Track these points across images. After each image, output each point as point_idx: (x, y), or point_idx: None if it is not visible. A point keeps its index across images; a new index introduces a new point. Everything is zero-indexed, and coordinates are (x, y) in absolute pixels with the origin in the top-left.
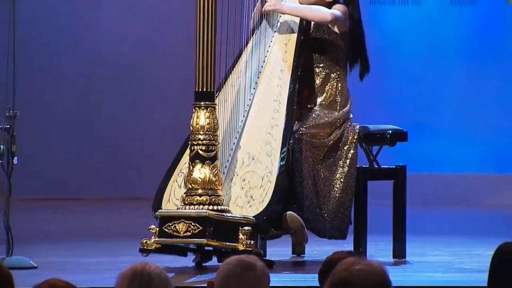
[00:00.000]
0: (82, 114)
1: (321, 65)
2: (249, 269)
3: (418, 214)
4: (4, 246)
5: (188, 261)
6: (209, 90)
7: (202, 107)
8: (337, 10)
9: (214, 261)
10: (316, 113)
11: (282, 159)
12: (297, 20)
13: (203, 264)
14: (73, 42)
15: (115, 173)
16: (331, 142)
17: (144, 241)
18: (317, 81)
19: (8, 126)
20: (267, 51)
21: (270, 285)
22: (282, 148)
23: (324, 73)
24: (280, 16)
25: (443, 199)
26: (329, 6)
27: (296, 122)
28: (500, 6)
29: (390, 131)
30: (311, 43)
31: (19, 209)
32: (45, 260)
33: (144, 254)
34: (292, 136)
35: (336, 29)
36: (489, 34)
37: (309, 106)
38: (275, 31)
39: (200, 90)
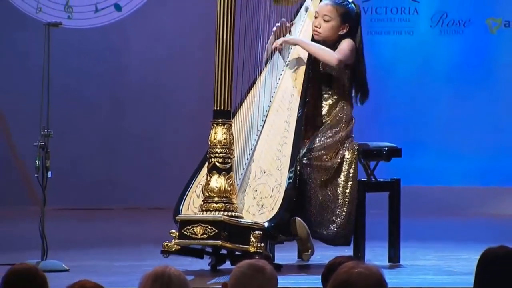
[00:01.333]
0: (109, 132)
1: (329, 92)
2: (259, 272)
3: (411, 223)
4: (39, 251)
5: (205, 264)
6: (226, 108)
7: (220, 124)
8: (345, 46)
9: (227, 264)
10: (323, 133)
11: (290, 172)
12: (307, 53)
13: (217, 267)
14: (101, 66)
15: (140, 185)
16: (337, 164)
17: (165, 243)
18: (325, 106)
19: (43, 143)
20: (279, 79)
21: (278, 286)
22: (290, 163)
23: (331, 99)
24: (292, 49)
25: (434, 209)
26: (339, 39)
27: (306, 141)
28: (485, 35)
29: (386, 148)
30: (319, 73)
31: (52, 218)
32: (76, 264)
33: (165, 255)
34: (300, 160)
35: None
36: (474, 60)
37: (317, 126)
38: (286, 61)
39: (218, 108)
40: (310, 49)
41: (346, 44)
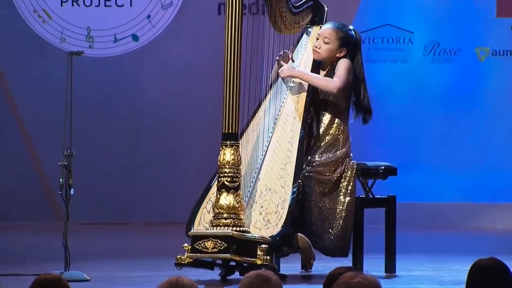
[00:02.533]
0: (127, 153)
1: (327, 113)
2: (266, 281)
3: (406, 236)
4: (62, 262)
5: (215, 275)
6: (233, 131)
7: (228, 146)
8: (342, 68)
9: (236, 274)
10: (322, 150)
11: (293, 190)
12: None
13: (227, 277)
14: (119, 91)
15: (156, 202)
16: (335, 178)
17: (179, 256)
18: (323, 126)
19: (66, 163)
20: (282, 102)
21: None
22: (293, 181)
23: (329, 119)
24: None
25: (427, 223)
26: (337, 60)
27: (306, 158)
28: (474, 63)
29: (382, 167)
30: (318, 97)
31: (75, 232)
32: (96, 274)
33: (179, 268)
34: (303, 173)
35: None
36: (464, 86)
37: (317, 144)
38: (289, 86)
39: (226, 131)
40: (311, 80)
41: (342, 66)
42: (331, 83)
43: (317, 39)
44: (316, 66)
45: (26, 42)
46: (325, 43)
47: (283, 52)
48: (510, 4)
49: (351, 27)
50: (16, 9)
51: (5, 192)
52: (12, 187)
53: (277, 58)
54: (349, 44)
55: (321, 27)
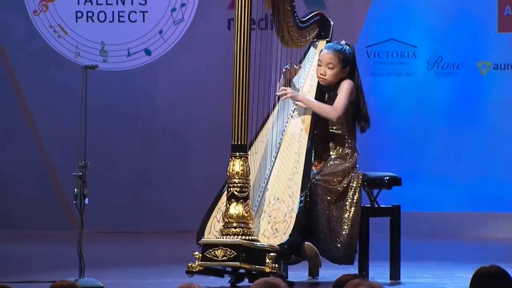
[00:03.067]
0: (139, 163)
1: (334, 127)
2: None
3: (410, 245)
4: (77, 269)
5: (225, 282)
6: (242, 143)
7: (237, 157)
8: (343, 93)
9: (245, 282)
10: (331, 163)
11: (301, 200)
12: (314, 92)
13: (237, 285)
14: (132, 104)
15: (167, 211)
16: (342, 188)
17: (190, 264)
18: (332, 140)
19: (81, 173)
20: (290, 115)
21: None
22: (301, 191)
23: (337, 133)
24: (301, 87)
25: (430, 232)
26: (340, 81)
27: (314, 170)
28: (476, 77)
29: (387, 178)
30: None
31: (89, 240)
32: (110, 281)
33: (189, 275)
34: (311, 182)
35: None
36: (466, 98)
37: (324, 157)
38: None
39: (235, 143)
40: (313, 107)
41: (344, 89)
42: (332, 112)
43: (319, 65)
44: (320, 88)
45: (43, 56)
46: (329, 68)
47: (290, 64)
48: (511, 19)
49: (343, 42)
50: (33, 25)
51: (22, 202)
52: (29, 197)
53: (284, 70)
54: (349, 62)
55: (327, 41)
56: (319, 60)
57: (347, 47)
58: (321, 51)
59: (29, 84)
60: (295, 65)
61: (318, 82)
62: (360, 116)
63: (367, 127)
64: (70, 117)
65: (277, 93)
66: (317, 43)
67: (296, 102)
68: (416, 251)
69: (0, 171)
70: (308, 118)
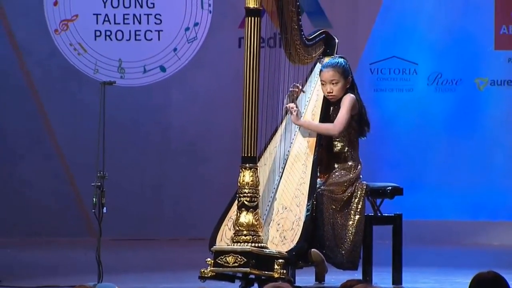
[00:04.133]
0: (155, 174)
1: (338, 140)
2: None
3: (411, 251)
4: (95, 275)
5: (235, 287)
6: (252, 155)
7: (247, 168)
8: (344, 109)
9: (255, 287)
10: (336, 174)
11: (307, 209)
12: (320, 108)
13: None
14: (147, 118)
15: (181, 219)
16: (346, 197)
17: (202, 270)
18: (336, 151)
19: (99, 183)
20: (297, 129)
21: None
22: (308, 201)
23: (340, 146)
24: (308, 102)
25: (431, 239)
26: (346, 92)
27: (320, 181)
28: (474, 92)
29: (389, 187)
30: None
31: (107, 247)
32: (127, 286)
33: (202, 281)
34: (317, 192)
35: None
36: (465, 113)
37: (329, 169)
38: (302, 115)
39: (245, 155)
40: (313, 128)
41: (346, 104)
42: (333, 130)
43: (323, 85)
44: (325, 102)
45: (63, 73)
46: (334, 84)
47: (293, 85)
48: (507, 38)
49: (337, 56)
50: (54, 43)
51: (44, 210)
52: (51, 206)
53: (291, 88)
54: (349, 72)
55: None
56: (321, 80)
57: (341, 59)
58: (320, 71)
59: (51, 99)
60: (299, 86)
61: (324, 97)
62: (362, 122)
63: (367, 131)
64: (89, 130)
65: (287, 102)
66: (323, 60)
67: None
68: (418, 257)
69: (23, 181)
70: (313, 134)
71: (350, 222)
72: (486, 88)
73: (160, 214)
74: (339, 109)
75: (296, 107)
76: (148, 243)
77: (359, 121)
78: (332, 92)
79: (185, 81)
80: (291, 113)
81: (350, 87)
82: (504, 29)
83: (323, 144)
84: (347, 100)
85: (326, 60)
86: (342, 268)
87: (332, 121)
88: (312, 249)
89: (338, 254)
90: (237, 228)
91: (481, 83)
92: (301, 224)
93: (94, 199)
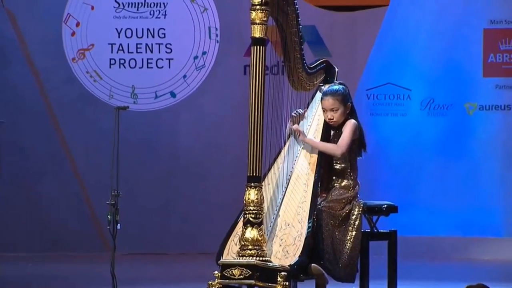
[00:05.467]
0: (166, 192)
1: (339, 161)
2: None
3: (405, 265)
4: (110, 287)
5: None
6: (257, 175)
7: (252, 187)
8: (346, 133)
9: None
10: (335, 192)
11: (309, 226)
12: (321, 131)
13: None
14: (158, 140)
15: (190, 235)
16: (344, 213)
17: (210, 282)
18: (336, 172)
19: (114, 202)
20: (299, 150)
21: None
22: (309, 218)
23: (341, 166)
24: (309, 127)
25: (424, 254)
26: (347, 117)
27: (320, 199)
28: (463, 116)
29: (385, 205)
30: None
31: (121, 261)
32: None
33: None
34: (318, 208)
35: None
36: (455, 136)
37: (329, 187)
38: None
39: (251, 174)
40: (318, 147)
41: (348, 129)
42: (336, 150)
43: (324, 111)
44: (326, 127)
45: (80, 98)
46: (334, 111)
47: (295, 111)
48: (494, 66)
49: (336, 83)
50: (72, 71)
51: (62, 226)
52: (68, 222)
53: (293, 114)
54: (348, 98)
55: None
56: (322, 108)
57: (341, 86)
58: (321, 98)
59: (68, 123)
60: (300, 111)
61: (324, 121)
62: (360, 145)
63: (365, 152)
64: (104, 152)
65: (290, 126)
66: (323, 87)
67: (308, 128)
68: (412, 271)
69: (43, 199)
70: (314, 155)
71: (348, 237)
72: (475, 113)
73: (170, 229)
74: (340, 133)
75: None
76: (159, 257)
77: (358, 144)
78: (333, 119)
79: (194, 106)
80: (298, 132)
81: (350, 112)
82: (491, 58)
83: (323, 166)
84: (350, 125)
85: (327, 87)
86: (340, 281)
87: (331, 141)
88: (312, 264)
89: (336, 267)
90: (243, 243)
91: (470, 108)
92: (303, 239)
93: (109, 216)
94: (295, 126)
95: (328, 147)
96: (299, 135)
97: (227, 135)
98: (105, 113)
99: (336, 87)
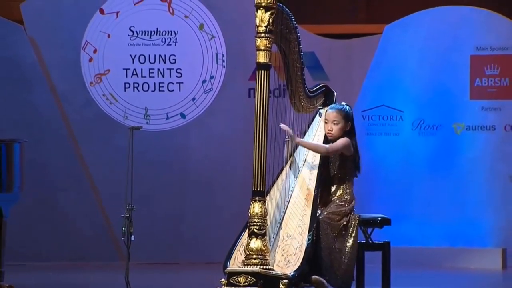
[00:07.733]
0: (176, 206)
1: (335, 182)
2: None
3: (398, 274)
4: None
5: None
6: (261, 189)
7: (257, 201)
8: (338, 143)
9: None
10: (334, 204)
11: (309, 237)
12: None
13: None
14: (170, 157)
15: (199, 245)
16: (342, 224)
17: None
18: (334, 187)
19: (128, 215)
20: (300, 168)
21: None
22: (309, 230)
23: (338, 182)
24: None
25: (415, 263)
26: (342, 136)
27: (319, 211)
28: (451, 136)
29: (379, 218)
30: (330, 171)
31: (134, 270)
32: None
33: None
34: (317, 220)
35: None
36: (444, 154)
37: (328, 201)
38: (305, 156)
39: (255, 189)
40: (306, 146)
41: (341, 142)
42: (322, 148)
43: (326, 123)
44: (326, 143)
45: (97, 119)
46: (335, 124)
47: (289, 136)
48: (480, 89)
49: (343, 103)
50: (89, 94)
51: (81, 238)
52: (86, 234)
53: (286, 139)
54: (350, 118)
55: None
56: (326, 118)
57: (347, 106)
58: (326, 111)
59: (86, 142)
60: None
61: (324, 137)
62: (355, 166)
63: (359, 173)
64: (120, 168)
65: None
66: (322, 110)
67: (307, 154)
68: (404, 279)
69: (63, 212)
70: (314, 172)
71: (345, 248)
72: (463, 133)
73: (181, 240)
74: None
75: (291, 135)
76: (170, 266)
77: (353, 164)
78: (331, 131)
79: (202, 126)
80: (288, 133)
81: (349, 131)
82: (478, 82)
83: (322, 181)
84: (343, 139)
85: (326, 109)
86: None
87: (329, 160)
88: (313, 276)
89: (334, 275)
90: (248, 253)
91: (458, 128)
92: (303, 250)
93: (123, 228)
94: (284, 126)
95: (319, 146)
96: (289, 136)
97: (233, 153)
98: (120, 132)
99: (343, 105)
